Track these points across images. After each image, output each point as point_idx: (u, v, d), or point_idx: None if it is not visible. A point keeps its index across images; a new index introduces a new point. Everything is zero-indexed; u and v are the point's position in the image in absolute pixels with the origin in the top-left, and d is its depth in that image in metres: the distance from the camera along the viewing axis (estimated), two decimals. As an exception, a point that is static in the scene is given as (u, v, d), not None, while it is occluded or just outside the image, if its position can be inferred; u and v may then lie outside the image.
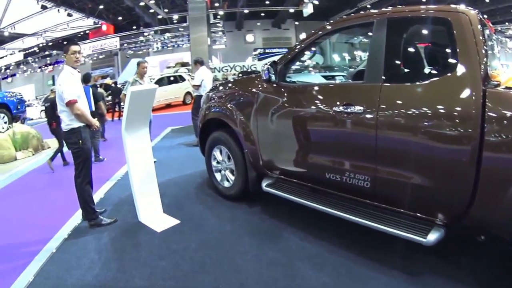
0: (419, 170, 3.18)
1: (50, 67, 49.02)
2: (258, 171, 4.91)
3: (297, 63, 5.00)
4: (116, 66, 50.90)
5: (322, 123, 3.99)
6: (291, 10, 39.91)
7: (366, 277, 3.39)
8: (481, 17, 3.16)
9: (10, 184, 7.97)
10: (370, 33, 3.69)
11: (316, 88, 4.21)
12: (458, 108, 2.88)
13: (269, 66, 4.38)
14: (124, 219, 5.11)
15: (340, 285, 3.32)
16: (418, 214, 3.27)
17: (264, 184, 4.75)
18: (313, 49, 5.84)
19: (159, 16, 40.92)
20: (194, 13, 29.50)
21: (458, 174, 2.93)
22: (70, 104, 4.65)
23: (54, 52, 46.05)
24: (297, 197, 4.28)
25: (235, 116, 4.96)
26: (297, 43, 4.53)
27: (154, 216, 5.05)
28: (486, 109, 2.72)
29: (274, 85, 4.46)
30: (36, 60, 49.80)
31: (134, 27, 45.60)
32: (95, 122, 5.02)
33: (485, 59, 2.90)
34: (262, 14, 48.32)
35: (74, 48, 4.83)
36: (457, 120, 2.87)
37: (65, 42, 35.00)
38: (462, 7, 3.11)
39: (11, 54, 46.59)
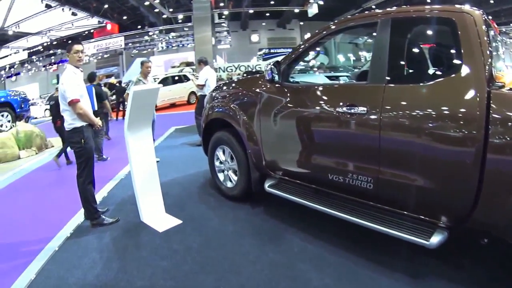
0: (422, 172, 3.15)
1: (55, 66, 49.01)
2: (261, 171, 4.89)
3: (301, 63, 4.98)
4: (121, 65, 50.97)
5: (325, 124, 3.96)
6: (296, 10, 39.88)
7: (368, 279, 3.37)
8: (485, 17, 3.13)
9: (14, 182, 7.98)
10: (374, 33, 3.67)
11: (319, 88, 4.18)
12: (462, 110, 2.85)
13: (272, 66, 4.36)
14: (126, 219, 5.10)
15: (341, 287, 3.30)
16: (421, 216, 3.25)
17: (267, 184, 4.73)
18: (317, 49, 5.81)
19: (164, 16, 40.90)
20: (198, 13, 29.44)
21: (462, 176, 2.90)
22: (73, 103, 4.64)
23: (59, 51, 46.04)
24: (299, 198, 4.26)
25: (238, 116, 4.95)
26: (301, 43, 4.50)
27: (156, 216, 5.04)
28: (491, 111, 2.69)
29: (277, 85, 4.44)
30: (41, 59, 49.83)
31: (139, 27, 45.61)
32: (98, 121, 5.01)
33: (489, 60, 2.87)
34: (267, 14, 48.32)
35: (77, 47, 4.81)
36: (461, 122, 2.84)
37: (69, 41, 35.07)
38: (466, 7, 3.08)
39: (15, 53, 46.68)
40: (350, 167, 3.71)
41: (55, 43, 45.54)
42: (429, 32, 3.76)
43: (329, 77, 5.55)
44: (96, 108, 6.40)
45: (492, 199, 2.78)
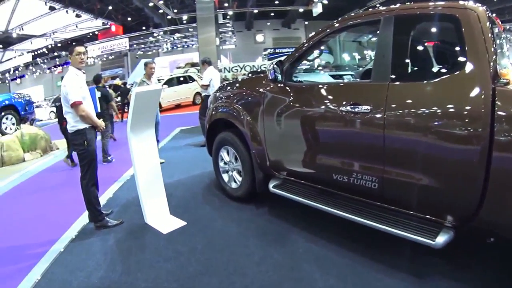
0: (427, 171, 3.11)
1: (59, 68, 49.23)
2: (265, 172, 4.86)
3: (304, 62, 4.95)
4: (126, 66, 51.15)
5: (329, 123, 3.93)
6: (301, 10, 39.92)
7: (373, 279, 3.34)
8: (489, 14, 3.09)
9: (18, 185, 8.00)
10: (377, 31, 3.64)
11: (322, 87, 4.14)
12: (467, 107, 2.81)
13: (275, 66, 4.33)
14: (130, 221, 5.09)
15: (346, 288, 3.28)
16: (427, 216, 3.21)
17: (271, 185, 4.71)
18: (322, 47, 5.78)
19: (169, 17, 40.99)
20: (202, 13, 29.47)
21: (467, 175, 2.86)
22: (75, 105, 4.63)
23: (63, 53, 46.16)
24: (304, 199, 4.23)
25: (242, 116, 4.92)
26: (303, 42, 4.46)
27: (160, 217, 5.03)
28: (496, 108, 2.65)
29: (280, 84, 4.41)
30: (45, 61, 50.11)
31: (144, 28, 45.73)
32: (101, 123, 4.99)
33: (494, 57, 2.82)
34: (272, 14, 48.28)
35: (78, 49, 4.80)
36: (466, 119, 2.80)
37: (74, 43, 35.21)
38: (470, 3, 3.04)
39: (19, 55, 46.91)
40: (354, 167, 3.67)
41: (59, 45, 45.77)
42: (433, 29, 3.72)
43: (333, 76, 5.52)
44: (99, 110, 6.41)
45: (498, 198, 2.74)
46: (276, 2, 41.02)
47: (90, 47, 45.44)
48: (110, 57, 49.63)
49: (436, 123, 2.98)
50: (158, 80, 23.57)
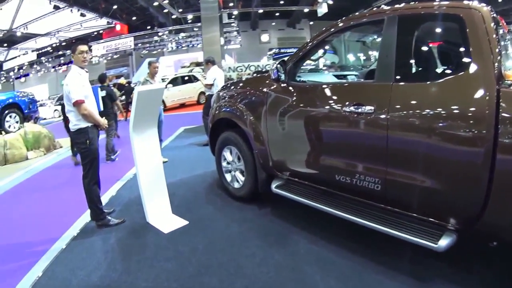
0: (431, 173, 3.08)
1: (64, 67, 49.21)
2: (268, 172, 4.85)
3: (307, 61, 4.92)
4: (131, 66, 51.19)
5: (332, 124, 3.91)
6: (306, 10, 39.91)
7: (374, 282, 3.31)
8: (494, 14, 3.06)
9: (21, 183, 8.03)
10: (381, 31, 3.61)
11: (325, 87, 4.11)
12: (471, 108, 2.78)
13: (278, 65, 4.31)
14: (132, 220, 5.08)
15: (347, 290, 3.26)
16: (430, 219, 3.18)
17: (273, 185, 4.69)
18: (325, 47, 5.75)
19: (173, 16, 41.06)
20: (207, 13, 29.37)
21: (471, 177, 2.83)
22: (77, 104, 4.62)
23: (68, 52, 46.20)
24: (306, 199, 4.21)
25: (245, 116, 4.90)
26: (307, 42, 4.43)
27: (162, 217, 5.02)
28: (500, 109, 2.62)
29: (283, 84, 4.38)
30: (50, 60, 50.23)
31: (149, 27, 45.81)
32: (103, 122, 4.99)
33: (499, 57, 2.79)
34: (277, 14, 48.29)
35: (81, 47, 4.79)
36: (470, 121, 2.77)
37: (77, 42, 35.28)
38: (474, 3, 3.01)
39: (24, 54, 47.03)
40: (357, 168, 3.64)
41: (64, 44, 45.87)
42: (437, 29, 3.68)
43: (336, 76, 5.49)
44: (102, 109, 6.40)
45: (502, 201, 2.70)
46: (281, 2, 41.05)
47: (95, 46, 45.65)
48: (115, 56, 49.75)
49: (439, 124, 2.94)
50: (163, 79, 23.69)
